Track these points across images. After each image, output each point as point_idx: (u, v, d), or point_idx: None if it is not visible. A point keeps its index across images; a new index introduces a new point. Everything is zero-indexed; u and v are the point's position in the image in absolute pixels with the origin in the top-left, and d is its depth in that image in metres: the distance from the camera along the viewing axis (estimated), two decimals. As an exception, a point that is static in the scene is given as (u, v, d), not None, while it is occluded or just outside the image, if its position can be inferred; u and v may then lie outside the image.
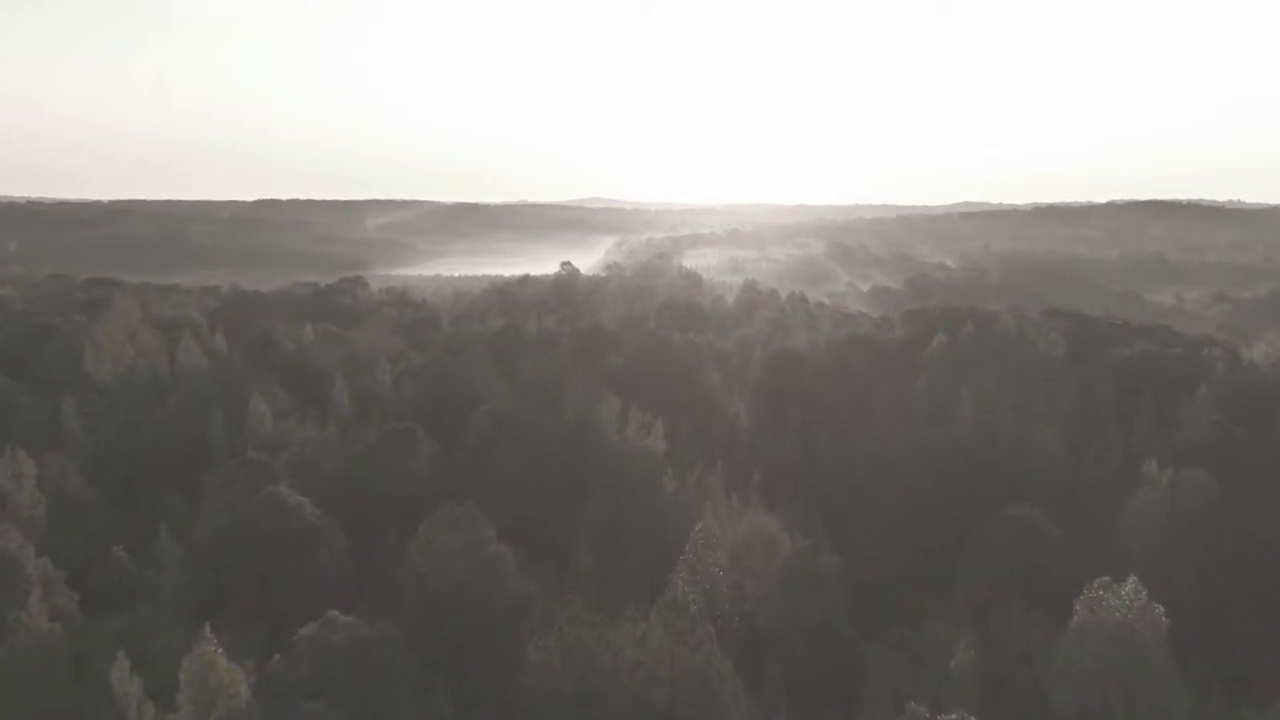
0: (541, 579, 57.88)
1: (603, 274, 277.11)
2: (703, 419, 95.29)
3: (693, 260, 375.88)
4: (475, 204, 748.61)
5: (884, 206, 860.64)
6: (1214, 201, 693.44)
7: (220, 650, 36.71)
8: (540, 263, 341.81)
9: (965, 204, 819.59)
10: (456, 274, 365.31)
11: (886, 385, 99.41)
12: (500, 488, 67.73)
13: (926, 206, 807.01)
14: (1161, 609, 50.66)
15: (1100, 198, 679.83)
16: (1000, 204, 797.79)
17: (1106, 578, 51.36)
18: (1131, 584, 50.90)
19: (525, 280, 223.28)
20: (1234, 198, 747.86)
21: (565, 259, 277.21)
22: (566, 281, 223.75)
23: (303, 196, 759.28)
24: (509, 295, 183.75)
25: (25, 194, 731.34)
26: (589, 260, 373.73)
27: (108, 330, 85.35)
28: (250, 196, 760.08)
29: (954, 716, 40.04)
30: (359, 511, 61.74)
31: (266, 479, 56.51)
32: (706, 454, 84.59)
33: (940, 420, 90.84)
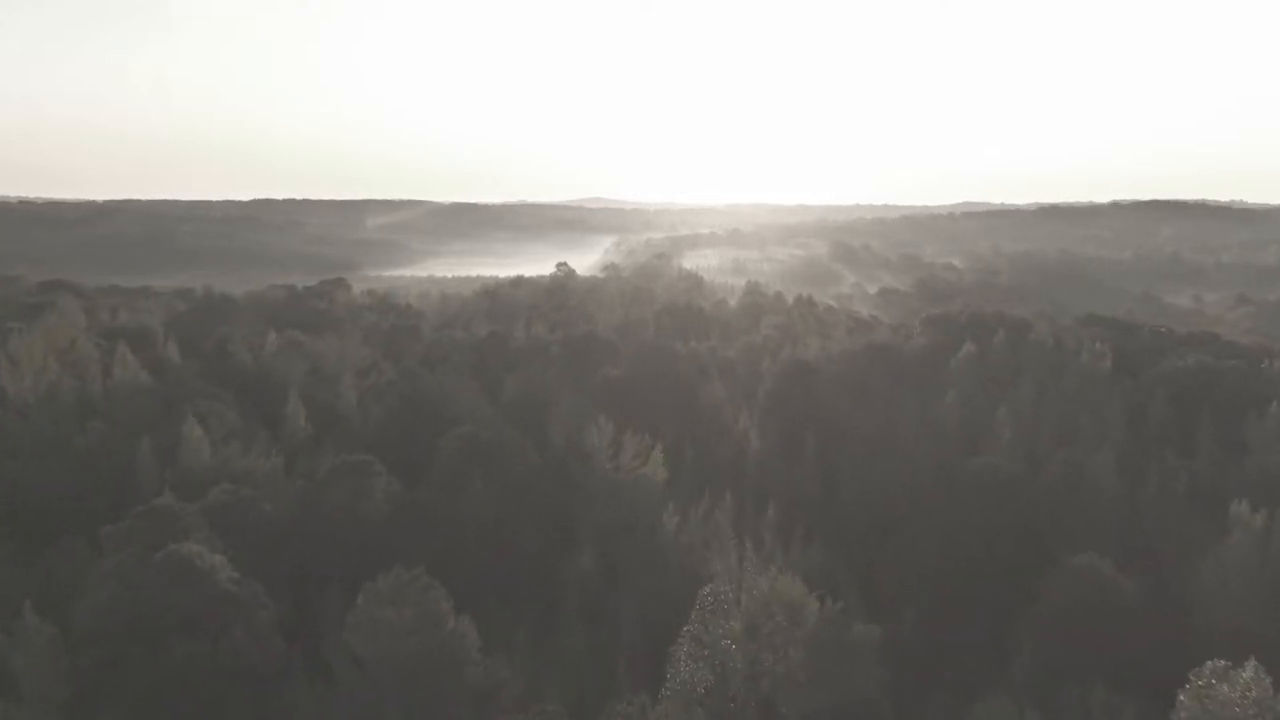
0: (513, 654, 47.52)
1: (600, 275, 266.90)
2: (707, 440, 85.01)
3: (693, 261, 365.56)
4: (473, 204, 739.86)
5: (885, 206, 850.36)
6: (1217, 201, 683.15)
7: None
8: (537, 263, 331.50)
9: (966, 204, 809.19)
10: (450, 275, 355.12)
11: (911, 402, 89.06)
12: (469, 532, 57.46)
13: (927, 206, 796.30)
14: (1290, 703, 40.32)
15: (1100, 198, 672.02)
16: (1002, 204, 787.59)
17: (1221, 662, 40.94)
18: (1251, 669, 40.59)
19: (518, 282, 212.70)
20: (1236, 198, 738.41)
21: (563, 259, 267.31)
22: (561, 283, 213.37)
23: (299, 196, 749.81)
24: (499, 299, 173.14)
25: (21, 194, 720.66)
26: (587, 261, 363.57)
27: (31, 341, 74.88)
28: (246, 197, 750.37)
29: None
30: (300, 566, 51.47)
31: (176, 532, 46.13)
32: (712, 483, 74.44)
33: (974, 444, 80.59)
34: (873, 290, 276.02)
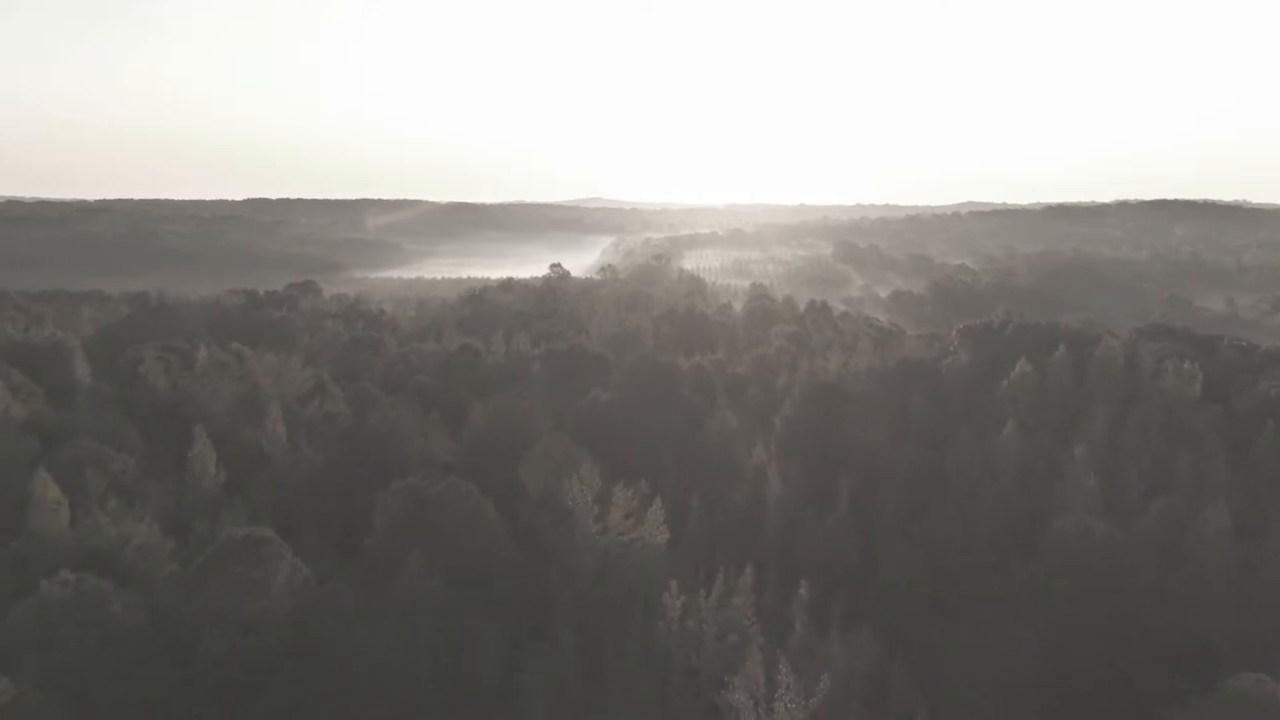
0: None
1: (596, 277, 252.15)
2: (717, 484, 70.06)
3: (693, 262, 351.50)
4: (471, 204, 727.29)
5: (888, 206, 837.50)
6: (1222, 201, 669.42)
7: None
8: (532, 264, 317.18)
9: (970, 204, 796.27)
10: (440, 276, 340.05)
11: (963, 435, 74.05)
12: (404, 630, 42.48)
13: (930, 206, 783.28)
14: None
15: (1102, 197, 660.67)
16: (1005, 204, 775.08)
17: None
18: None
19: (508, 285, 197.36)
20: (1240, 198, 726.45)
21: (558, 260, 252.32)
22: (553, 287, 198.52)
23: (293, 196, 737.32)
24: (484, 303, 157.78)
25: (12, 194, 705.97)
26: (584, 261, 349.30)
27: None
28: (240, 196, 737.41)
29: None
30: (151, 704, 36.59)
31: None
32: (725, 544, 59.65)
33: (1047, 492, 65.63)
34: (884, 293, 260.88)
